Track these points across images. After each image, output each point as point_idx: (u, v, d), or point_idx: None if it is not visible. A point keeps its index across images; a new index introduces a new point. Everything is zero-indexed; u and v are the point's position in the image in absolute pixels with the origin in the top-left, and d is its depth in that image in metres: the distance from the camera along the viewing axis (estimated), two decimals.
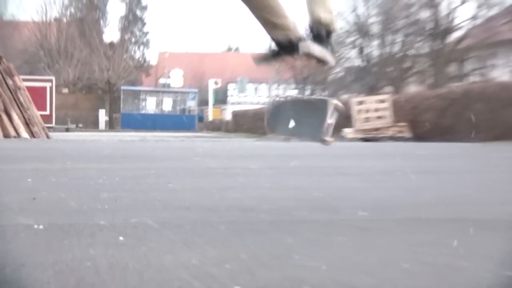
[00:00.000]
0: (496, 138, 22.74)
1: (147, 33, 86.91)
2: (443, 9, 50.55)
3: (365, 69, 54.52)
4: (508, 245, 3.83)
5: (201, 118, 72.44)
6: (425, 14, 51.58)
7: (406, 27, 52.10)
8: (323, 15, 4.91)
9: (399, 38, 52.77)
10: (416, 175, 8.93)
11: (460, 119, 26.45)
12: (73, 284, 2.83)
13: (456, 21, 50.79)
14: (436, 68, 49.63)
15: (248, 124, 51.75)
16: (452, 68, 50.80)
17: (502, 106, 23.96)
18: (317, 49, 4.84)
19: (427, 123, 28.63)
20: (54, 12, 78.79)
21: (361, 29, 54.52)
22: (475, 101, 25.92)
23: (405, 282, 2.93)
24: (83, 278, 2.92)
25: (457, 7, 49.90)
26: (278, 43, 4.92)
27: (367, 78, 52.97)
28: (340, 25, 55.04)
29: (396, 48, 52.99)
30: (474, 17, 49.68)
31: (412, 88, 48.98)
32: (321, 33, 4.91)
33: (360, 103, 30.70)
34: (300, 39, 4.89)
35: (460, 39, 50.47)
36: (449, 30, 50.46)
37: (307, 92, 61.44)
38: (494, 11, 48.64)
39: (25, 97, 25.87)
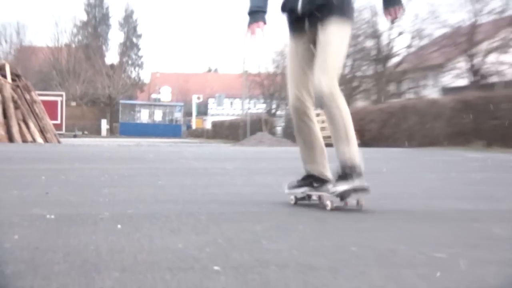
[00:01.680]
0: (427, 144, 22.88)
1: (141, 56, 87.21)
2: (384, 39, 50.82)
3: None
4: (435, 231, 3.86)
5: (189, 127, 72.32)
6: (369, 43, 51.79)
7: (354, 53, 52.19)
8: (343, 155, 4.72)
9: (348, 62, 52.84)
10: None
11: (398, 129, 26.59)
12: (78, 264, 2.82)
13: (394, 49, 51.09)
14: (378, 87, 49.87)
15: (225, 132, 51.77)
16: (391, 87, 51.12)
17: (432, 118, 24.11)
18: (344, 187, 4.57)
19: (372, 132, 28.75)
20: (64, 39, 78.82)
21: None
22: (409, 114, 26.08)
23: (353, 262, 2.95)
24: (87, 259, 2.91)
25: (395, 38, 50.22)
26: (309, 174, 5.01)
27: None
28: None
29: (346, 70, 53.12)
30: (408, 46, 50.03)
31: (359, 103, 49.12)
32: (345, 171, 4.65)
33: (317, 115, 30.63)
34: (327, 180, 4.87)
35: (398, 64, 50.87)
36: (389, 56, 50.74)
37: (273, 106, 61.50)
38: (424, 42, 49.05)
39: (40, 109, 25.83)
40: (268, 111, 58.68)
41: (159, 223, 4.05)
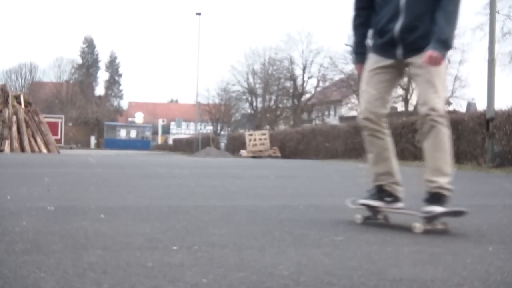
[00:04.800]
0: (330, 157, 23.11)
1: (122, 90, 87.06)
2: (299, 81, 51.58)
3: (253, 115, 54.88)
4: (336, 220, 3.87)
5: (166, 142, 71.32)
6: (288, 83, 52.48)
7: (277, 90, 52.84)
8: (442, 177, 3.52)
9: (273, 97, 53.45)
10: (282, 178, 9.01)
11: (309, 146, 26.80)
12: (71, 244, 2.77)
13: (306, 88, 51.90)
14: (295, 115, 50.46)
15: (183, 147, 51.49)
16: (304, 116, 51.77)
17: (333, 138, 24.38)
18: (440, 209, 3.42)
19: (290, 148, 28.94)
20: (65, 77, 77.95)
21: (251, 91, 54.92)
22: (317, 136, 26.32)
23: (276, 244, 2.94)
24: (77, 240, 2.86)
25: (307, 80, 51.13)
26: (380, 188, 3.75)
27: (255, 120, 53.34)
28: (238, 88, 55.61)
29: (272, 102, 53.59)
30: (316, 86, 50.90)
31: (281, 127, 49.55)
32: (442, 193, 3.49)
33: (250, 135, 30.82)
34: (398, 197, 3.72)
35: (309, 99, 51.68)
36: (302, 93, 51.54)
37: (219, 128, 61.56)
38: (327, 84, 49.99)
39: (45, 128, 25.84)
40: (215, 132, 58.64)
41: (132, 213, 4.00)
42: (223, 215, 4.08)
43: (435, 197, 3.48)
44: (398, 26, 3.61)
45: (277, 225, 3.59)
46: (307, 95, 52.22)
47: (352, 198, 3.94)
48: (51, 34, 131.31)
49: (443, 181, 3.50)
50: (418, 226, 3.40)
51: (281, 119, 53.45)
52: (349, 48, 44.55)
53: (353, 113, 45.06)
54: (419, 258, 2.65)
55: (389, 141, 3.80)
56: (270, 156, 27.76)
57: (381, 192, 3.74)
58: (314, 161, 21.10)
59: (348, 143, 22.76)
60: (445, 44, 3.50)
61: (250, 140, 29.75)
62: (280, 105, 53.32)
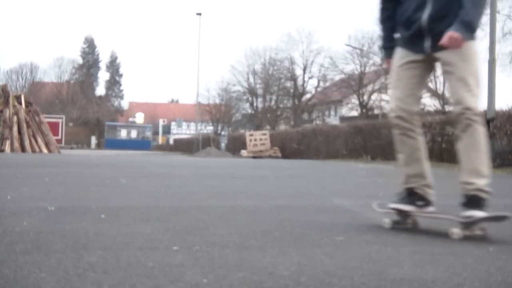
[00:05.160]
0: (330, 157, 23.12)
1: (122, 90, 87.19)
2: (299, 81, 51.59)
3: (254, 115, 54.91)
4: (336, 220, 3.87)
5: (167, 142, 71.02)
6: (289, 83, 52.50)
7: (278, 90, 52.86)
8: (481, 179, 3.31)
9: (274, 97, 53.46)
10: (283, 178, 9.01)
11: (309, 146, 26.82)
12: (71, 244, 2.77)
13: (307, 89, 51.91)
14: (295, 115, 50.44)
15: (183, 147, 51.56)
16: (305, 116, 51.79)
17: (333, 138, 24.40)
18: (481, 214, 3.20)
19: (291, 148, 28.96)
20: (65, 77, 78.01)
21: (252, 91, 54.94)
22: (318, 136, 26.34)
23: (276, 244, 2.94)
24: (78, 240, 2.86)
25: (307, 80, 51.12)
26: (411, 191, 3.54)
27: (255, 120, 53.36)
28: (238, 88, 55.68)
29: (272, 103, 53.60)
30: (317, 87, 50.90)
31: (282, 127, 49.58)
32: (480, 196, 3.27)
33: (251, 135, 30.84)
34: (430, 201, 3.52)
35: (309, 99, 51.67)
36: (303, 94, 51.53)
37: (219, 128, 61.58)
38: (328, 84, 49.99)
39: (46, 128, 25.90)
40: (215, 132, 58.66)
41: (132, 213, 4.00)
42: (224, 215, 4.07)
43: (473, 201, 3.26)
44: (425, 15, 3.39)
45: (277, 225, 3.58)
46: (308, 95, 52.25)
47: (378, 201, 3.80)
48: (51, 34, 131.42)
49: (481, 183, 3.29)
50: (457, 232, 3.19)
51: (281, 119, 53.47)
52: (349, 48, 44.64)
53: (354, 113, 45.14)
54: (420, 258, 2.65)
55: (421, 141, 3.59)
56: (270, 156, 27.77)
57: (412, 196, 3.54)
58: (315, 161, 21.11)
59: (349, 143, 22.79)
60: (468, 26, 3.29)
61: (250, 140, 29.77)
62: (281, 105, 53.35)
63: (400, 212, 3.57)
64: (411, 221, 3.61)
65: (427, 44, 3.44)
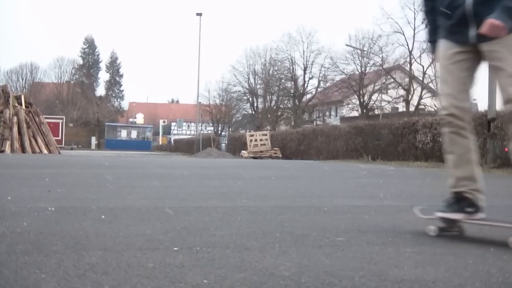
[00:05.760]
0: (330, 158, 23.12)
1: (122, 90, 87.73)
2: (300, 81, 51.59)
3: (254, 115, 54.92)
4: (337, 221, 3.87)
5: (169, 143, 70.82)
6: (289, 84, 52.50)
7: (278, 91, 52.87)
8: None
9: (274, 97, 53.48)
10: (283, 179, 9.01)
11: (310, 146, 26.82)
12: (72, 244, 2.77)
13: (307, 89, 51.92)
14: (296, 116, 50.43)
15: (183, 147, 51.59)
16: (305, 116, 51.79)
17: (334, 139, 24.39)
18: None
19: (291, 148, 28.96)
20: (66, 77, 78.16)
21: (252, 91, 54.95)
22: (318, 136, 26.34)
23: (277, 244, 2.93)
24: (78, 241, 2.86)
25: (308, 80, 51.11)
26: (460, 196, 3.23)
27: (255, 121, 53.37)
28: (239, 89, 55.70)
29: (273, 103, 53.61)
30: (317, 87, 50.88)
31: (282, 127, 49.58)
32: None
33: (251, 135, 30.85)
34: (480, 207, 3.23)
35: (310, 99, 51.66)
36: (303, 94, 51.52)
37: (219, 129, 61.62)
38: (328, 84, 49.98)
39: (46, 128, 25.97)
40: (215, 132, 58.69)
41: (133, 214, 4.00)
42: (224, 216, 4.07)
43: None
44: None
45: (278, 226, 3.58)
46: (308, 96, 52.29)
47: (420, 206, 3.58)
48: (52, 34, 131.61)
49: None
50: None
51: (282, 119, 53.49)
52: (350, 49, 44.64)
53: (354, 113, 45.14)
54: (421, 259, 2.64)
55: (473, 141, 3.29)
56: (271, 157, 27.77)
57: (462, 201, 3.22)
58: (315, 161, 21.10)
59: (349, 144, 22.78)
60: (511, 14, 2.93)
61: (251, 140, 29.79)
62: (281, 106, 53.39)
63: (448, 220, 3.30)
64: (457, 228, 3.34)
65: (472, 32, 3.11)
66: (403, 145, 18.30)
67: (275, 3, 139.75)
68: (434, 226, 3.31)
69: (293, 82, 51.91)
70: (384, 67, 42.65)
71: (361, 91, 44.48)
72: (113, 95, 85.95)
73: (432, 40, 3.44)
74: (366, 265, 2.46)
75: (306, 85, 51.74)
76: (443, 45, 3.28)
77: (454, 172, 3.26)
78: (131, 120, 79.95)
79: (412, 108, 40.25)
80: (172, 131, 79.13)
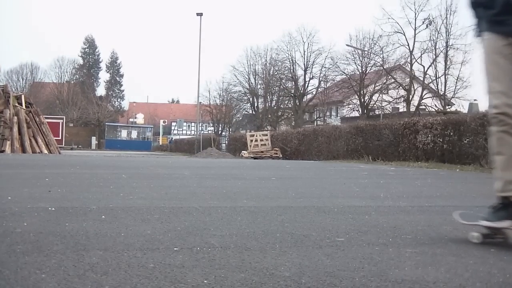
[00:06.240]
0: (331, 158, 23.11)
1: (123, 90, 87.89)
2: (300, 82, 51.52)
3: (255, 115, 54.90)
4: (337, 222, 3.87)
5: (171, 142, 70.75)
6: (290, 84, 52.47)
7: (279, 91, 52.85)
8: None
9: (274, 97, 53.45)
10: (283, 179, 9.00)
11: (310, 147, 26.80)
12: (72, 244, 2.77)
13: (308, 89, 51.86)
14: (296, 116, 50.38)
15: (184, 147, 51.56)
16: (305, 116, 51.75)
17: (334, 139, 24.36)
18: None
19: (292, 149, 28.94)
20: (66, 77, 78.33)
21: (252, 91, 54.94)
22: (319, 136, 26.31)
23: (277, 245, 2.94)
24: (78, 241, 2.86)
25: (308, 81, 51.04)
26: (508, 201, 2.98)
27: (256, 121, 53.37)
28: (239, 89, 55.70)
29: (273, 103, 53.59)
30: (318, 87, 50.82)
31: (282, 127, 49.56)
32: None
33: (252, 135, 30.84)
34: None
35: (310, 100, 51.61)
36: (304, 94, 51.45)
37: (220, 129, 61.61)
38: (329, 84, 49.92)
39: (46, 128, 25.97)
40: (216, 132, 58.68)
41: (133, 214, 3.99)
42: (224, 216, 4.07)
43: None
44: None
45: (278, 226, 3.58)
46: (309, 96, 52.25)
47: (461, 211, 3.39)
48: (52, 34, 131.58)
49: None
50: None
51: (282, 119, 53.46)
52: (350, 49, 44.62)
53: (355, 114, 45.12)
54: (421, 259, 2.64)
55: None
56: (271, 157, 27.77)
57: (510, 207, 2.97)
58: (316, 162, 21.09)
59: (350, 144, 22.76)
60: None
61: (251, 141, 29.78)
62: (282, 106, 53.36)
63: (495, 229, 3.05)
64: (502, 235, 3.08)
65: None
66: (404, 145, 18.30)
67: (276, 3, 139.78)
68: (477, 233, 3.10)
69: (293, 82, 51.88)
70: (384, 67, 42.61)
71: (361, 91, 44.45)
72: (114, 95, 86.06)
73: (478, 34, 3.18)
74: (367, 265, 2.46)
75: (306, 85, 51.72)
76: (488, 38, 3.02)
77: (503, 174, 2.99)
78: (131, 120, 79.92)
79: (412, 109, 40.24)
80: (172, 131, 79.12)
